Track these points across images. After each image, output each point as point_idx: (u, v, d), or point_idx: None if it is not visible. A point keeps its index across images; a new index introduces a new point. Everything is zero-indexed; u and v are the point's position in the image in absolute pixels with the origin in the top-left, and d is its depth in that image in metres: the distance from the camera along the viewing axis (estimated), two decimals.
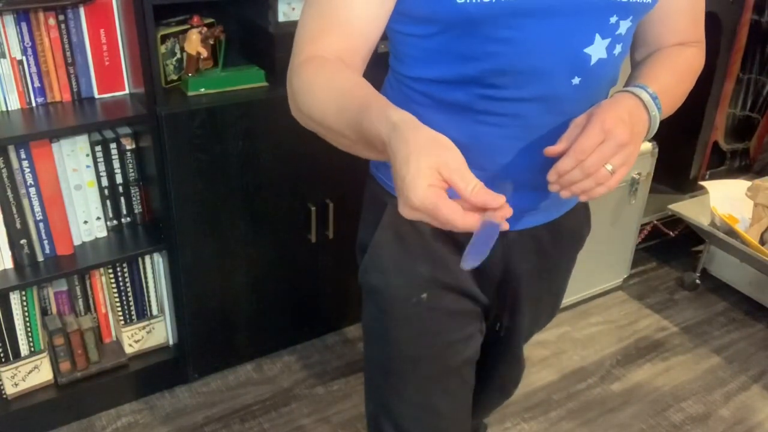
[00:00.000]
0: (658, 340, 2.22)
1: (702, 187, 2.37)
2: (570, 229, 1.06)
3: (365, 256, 1.00)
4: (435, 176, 0.63)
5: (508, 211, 0.65)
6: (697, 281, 2.44)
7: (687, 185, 2.62)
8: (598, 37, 0.81)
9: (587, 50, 0.81)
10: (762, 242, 2.18)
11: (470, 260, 0.64)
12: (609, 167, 0.78)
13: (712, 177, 2.65)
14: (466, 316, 1.01)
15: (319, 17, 0.82)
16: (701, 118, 2.51)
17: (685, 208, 2.34)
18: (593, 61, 0.82)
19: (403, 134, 0.65)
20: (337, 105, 0.75)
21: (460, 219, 0.63)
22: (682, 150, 2.59)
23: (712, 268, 2.44)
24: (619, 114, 0.79)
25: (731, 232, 2.20)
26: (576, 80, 0.83)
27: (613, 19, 0.81)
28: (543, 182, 0.91)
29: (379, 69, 0.98)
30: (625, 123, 0.78)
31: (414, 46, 0.85)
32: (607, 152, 0.77)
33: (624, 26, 0.83)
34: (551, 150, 0.81)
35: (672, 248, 2.63)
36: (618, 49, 0.85)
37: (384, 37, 0.86)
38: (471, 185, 0.63)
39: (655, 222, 2.49)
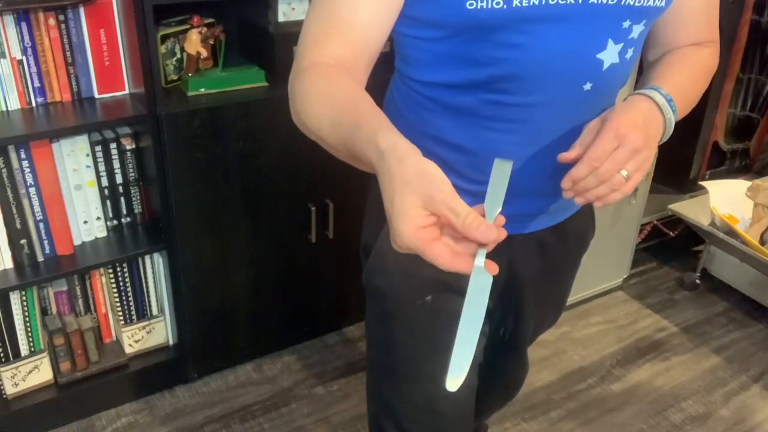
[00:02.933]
0: (658, 340, 2.22)
1: (702, 187, 2.37)
2: (575, 232, 1.06)
3: (369, 258, 1.00)
4: (421, 215, 0.59)
5: (502, 234, 0.61)
6: (697, 281, 2.44)
7: (687, 185, 2.62)
8: (610, 42, 0.80)
9: (600, 56, 0.80)
10: (762, 242, 2.18)
11: (454, 371, 0.58)
12: (624, 173, 0.77)
13: (712, 177, 2.65)
14: None
15: (323, 21, 0.79)
16: (701, 118, 2.51)
17: (685, 208, 2.34)
18: (605, 66, 0.81)
19: (388, 167, 0.62)
20: (331, 119, 0.72)
21: (447, 262, 0.59)
22: (682, 150, 2.59)
23: (712, 268, 2.44)
24: (633, 118, 0.78)
25: (731, 232, 2.20)
26: (588, 86, 0.82)
27: (626, 24, 0.80)
28: (552, 188, 0.91)
29: (379, 68, 0.98)
30: (639, 128, 0.77)
31: (421, 50, 0.83)
32: (622, 158, 0.76)
33: (637, 30, 0.82)
34: (565, 156, 0.80)
35: (672, 248, 2.63)
36: (630, 53, 0.84)
37: (388, 38, 0.84)
38: (462, 215, 0.59)
39: (655, 222, 2.49)
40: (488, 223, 0.59)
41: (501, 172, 0.66)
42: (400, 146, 0.63)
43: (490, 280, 0.61)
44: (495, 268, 0.61)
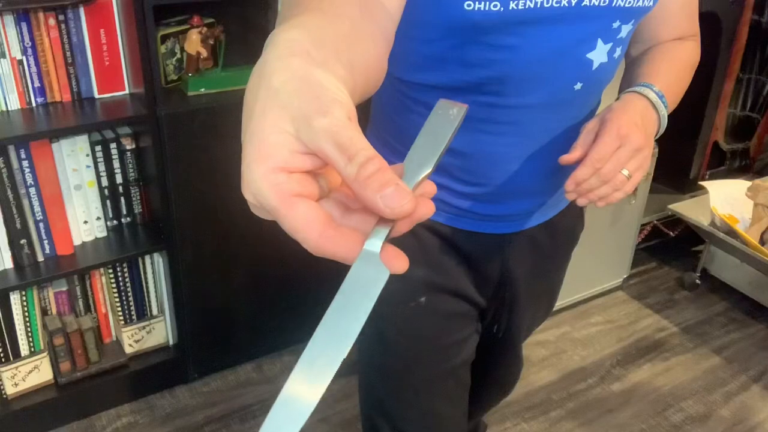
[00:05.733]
0: (658, 340, 2.22)
1: (702, 187, 2.37)
2: (565, 228, 1.06)
3: None
4: (286, 146, 0.36)
5: (426, 211, 0.37)
6: (697, 281, 2.44)
7: (687, 185, 2.62)
8: (600, 42, 0.80)
9: (589, 55, 0.80)
10: (762, 242, 2.18)
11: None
12: (625, 172, 0.78)
13: (712, 177, 2.65)
14: (464, 318, 1.01)
15: None
16: (701, 118, 2.51)
17: (685, 208, 2.34)
18: (595, 66, 0.82)
19: (261, 62, 0.39)
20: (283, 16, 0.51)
21: (313, 236, 0.36)
22: (682, 150, 2.59)
23: (712, 268, 2.44)
24: (632, 118, 0.79)
25: (731, 232, 2.20)
26: (578, 86, 0.82)
27: (616, 24, 0.80)
28: (545, 187, 0.91)
29: None
30: (639, 127, 0.78)
31: (412, 50, 0.82)
32: (624, 158, 0.77)
33: (625, 30, 0.83)
34: (567, 158, 0.80)
35: (672, 248, 2.63)
36: (618, 52, 0.85)
37: None
38: (358, 159, 0.35)
39: (655, 222, 2.49)
40: (401, 183, 0.35)
41: (444, 119, 0.41)
42: (301, 43, 0.40)
43: (386, 276, 0.36)
44: (402, 262, 0.37)
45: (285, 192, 0.36)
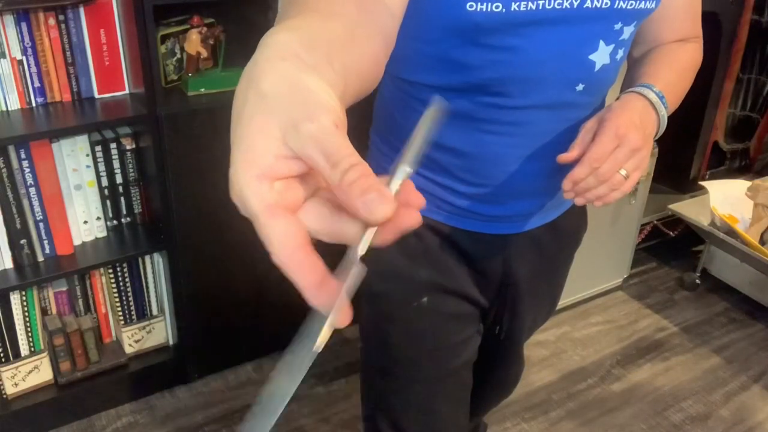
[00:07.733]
0: (658, 340, 2.22)
1: (702, 187, 2.37)
2: (568, 229, 1.06)
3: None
4: (272, 152, 0.36)
5: (411, 221, 0.37)
6: (697, 281, 2.44)
7: (687, 185, 2.62)
8: (602, 43, 0.80)
9: (592, 57, 0.81)
10: (762, 242, 2.18)
11: None
12: (623, 172, 0.78)
13: (712, 177, 2.65)
14: (466, 319, 1.01)
15: None
16: (701, 118, 2.51)
17: (685, 208, 2.34)
18: (597, 67, 0.82)
19: (252, 65, 0.40)
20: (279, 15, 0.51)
21: (283, 255, 0.36)
22: (682, 150, 2.59)
23: (712, 268, 2.44)
24: (631, 118, 0.79)
25: (731, 232, 2.20)
26: (580, 87, 0.82)
27: (618, 26, 0.80)
28: (548, 187, 0.91)
29: None
30: (637, 127, 0.78)
31: (415, 51, 0.82)
32: (621, 158, 0.77)
33: (627, 32, 0.83)
34: (564, 157, 0.80)
35: (672, 248, 2.63)
36: (620, 53, 0.85)
37: None
38: (342, 165, 0.35)
39: (655, 222, 2.49)
40: (383, 189, 0.35)
41: (429, 120, 0.41)
42: (291, 46, 0.40)
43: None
44: (345, 318, 0.39)
45: (267, 202, 0.36)
